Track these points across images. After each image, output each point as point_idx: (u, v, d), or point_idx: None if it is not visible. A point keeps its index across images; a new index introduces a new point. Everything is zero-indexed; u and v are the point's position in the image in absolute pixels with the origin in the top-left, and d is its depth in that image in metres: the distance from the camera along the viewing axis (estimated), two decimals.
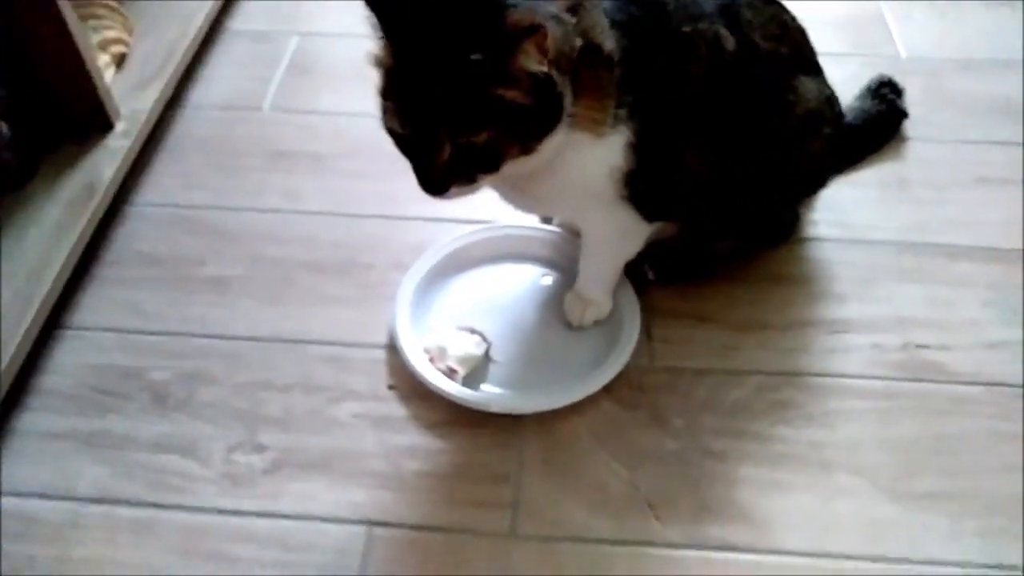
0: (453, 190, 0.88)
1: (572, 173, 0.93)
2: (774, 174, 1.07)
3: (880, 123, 1.34)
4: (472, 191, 0.90)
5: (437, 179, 0.87)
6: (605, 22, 0.90)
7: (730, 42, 0.96)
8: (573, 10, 0.87)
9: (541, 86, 0.83)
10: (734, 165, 1.02)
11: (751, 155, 1.03)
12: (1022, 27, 1.56)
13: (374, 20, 0.84)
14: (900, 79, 1.38)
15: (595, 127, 0.90)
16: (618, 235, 1.05)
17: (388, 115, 0.87)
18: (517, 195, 1.01)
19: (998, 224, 1.24)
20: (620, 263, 1.10)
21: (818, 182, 1.16)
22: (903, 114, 1.35)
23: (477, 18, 0.82)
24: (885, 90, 1.36)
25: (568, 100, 0.86)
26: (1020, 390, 1.06)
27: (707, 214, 1.09)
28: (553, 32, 0.81)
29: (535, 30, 0.79)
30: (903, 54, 1.52)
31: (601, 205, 0.98)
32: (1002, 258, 1.20)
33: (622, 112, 0.91)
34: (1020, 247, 1.20)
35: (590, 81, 0.88)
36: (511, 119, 0.83)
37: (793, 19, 1.07)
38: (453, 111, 0.82)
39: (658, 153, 0.95)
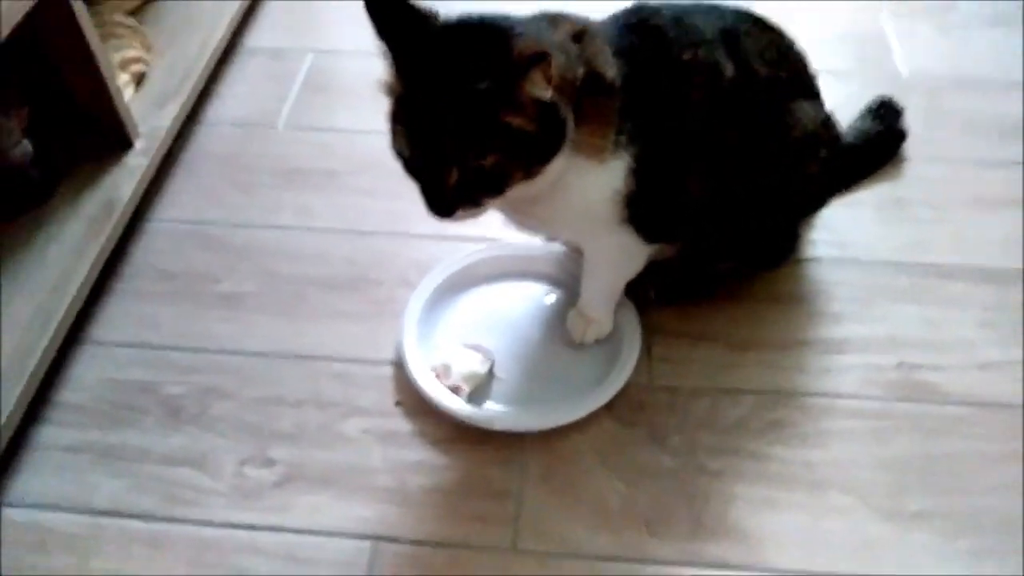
0: (459, 213, 0.91)
1: (574, 197, 0.96)
2: (772, 196, 1.09)
3: (879, 144, 1.36)
4: (478, 214, 0.93)
5: (445, 202, 0.90)
6: (608, 51, 0.94)
7: (729, 68, 0.99)
8: (578, 38, 0.90)
9: (545, 112, 0.86)
10: (733, 188, 1.05)
11: (750, 178, 1.05)
12: (1022, 47, 1.57)
13: (385, 49, 0.87)
14: (901, 97, 1.41)
15: (596, 153, 0.93)
16: (619, 256, 1.08)
17: (397, 139, 0.90)
18: (520, 217, 1.05)
19: (994, 244, 1.26)
20: (621, 283, 1.13)
21: (816, 203, 1.19)
22: (902, 135, 1.38)
23: (485, 47, 0.86)
24: (884, 111, 1.38)
25: (570, 126, 0.89)
26: (1013, 411, 1.08)
27: (707, 236, 1.12)
28: (557, 60, 0.84)
29: (541, 58, 0.82)
30: (904, 73, 1.54)
31: (602, 227, 1.01)
32: (997, 278, 1.22)
33: (623, 138, 0.94)
34: (1016, 267, 1.22)
35: (592, 108, 0.92)
36: (517, 144, 0.86)
37: (791, 45, 1.10)
38: (461, 136, 0.85)
39: (658, 177, 0.98)
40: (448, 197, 0.90)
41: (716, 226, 1.10)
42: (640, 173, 0.96)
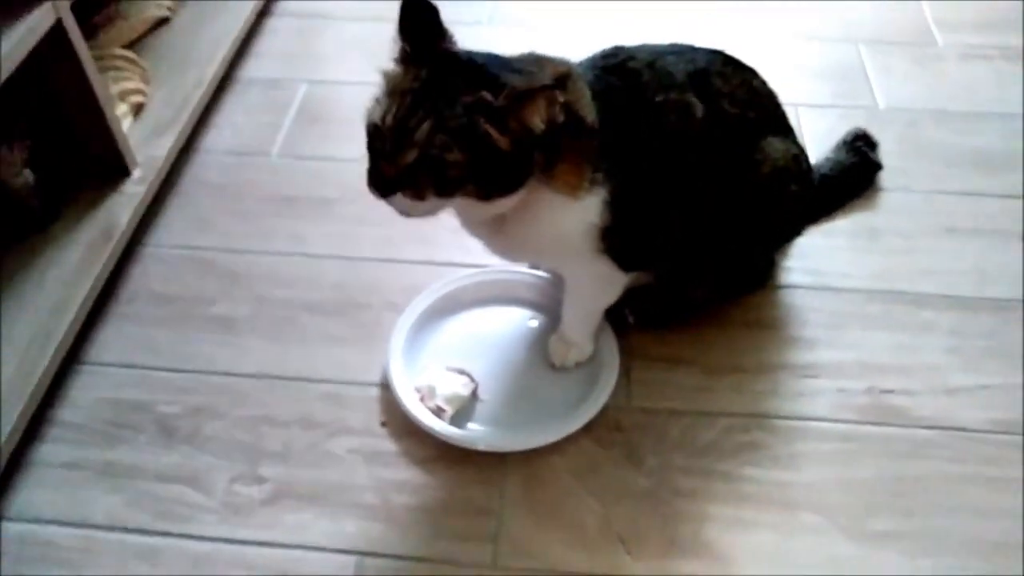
0: (399, 197, 0.93)
1: (548, 229, 1.01)
2: (745, 228, 1.14)
3: (854, 175, 1.41)
4: (415, 210, 0.95)
5: (390, 180, 0.92)
6: (588, 94, 0.98)
7: (699, 109, 1.04)
8: (561, 82, 0.94)
9: (523, 145, 0.90)
10: (706, 221, 1.10)
11: (722, 211, 1.10)
12: (996, 81, 1.63)
13: (404, 47, 0.93)
14: (877, 129, 1.46)
15: (571, 191, 0.98)
16: (598, 283, 1.12)
17: (376, 109, 0.92)
18: (498, 245, 1.08)
19: (964, 273, 1.30)
20: (600, 309, 1.17)
21: (789, 233, 1.23)
22: (877, 166, 1.42)
23: (494, 71, 0.92)
24: (860, 143, 1.43)
25: (537, 168, 0.94)
26: (978, 435, 1.12)
27: (683, 264, 1.16)
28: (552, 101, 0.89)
29: (553, 88, 0.88)
30: (881, 104, 1.59)
31: (579, 257, 1.05)
32: (966, 306, 1.26)
33: (599, 175, 0.98)
34: (984, 295, 1.27)
35: (570, 149, 0.96)
36: (483, 158, 0.90)
37: (763, 84, 1.14)
38: (439, 121, 0.88)
39: (633, 211, 1.02)
40: (396, 174, 0.91)
41: (692, 255, 1.14)
42: (616, 208, 1.00)
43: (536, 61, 0.99)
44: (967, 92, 1.61)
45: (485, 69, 0.92)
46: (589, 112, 0.98)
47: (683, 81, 1.04)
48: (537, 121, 0.89)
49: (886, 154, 1.46)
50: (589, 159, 0.98)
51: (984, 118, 1.56)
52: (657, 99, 1.02)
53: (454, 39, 0.96)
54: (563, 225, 1.00)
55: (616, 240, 1.03)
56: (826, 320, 1.25)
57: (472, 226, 1.06)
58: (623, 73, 1.03)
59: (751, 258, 1.23)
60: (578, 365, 1.19)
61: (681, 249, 1.12)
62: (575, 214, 0.99)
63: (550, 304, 1.25)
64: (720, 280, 1.23)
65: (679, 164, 1.04)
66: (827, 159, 1.40)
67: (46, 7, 1.12)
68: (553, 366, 1.19)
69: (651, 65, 1.04)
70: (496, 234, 1.04)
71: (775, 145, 1.11)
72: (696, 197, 1.07)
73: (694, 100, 1.04)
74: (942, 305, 1.26)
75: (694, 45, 1.11)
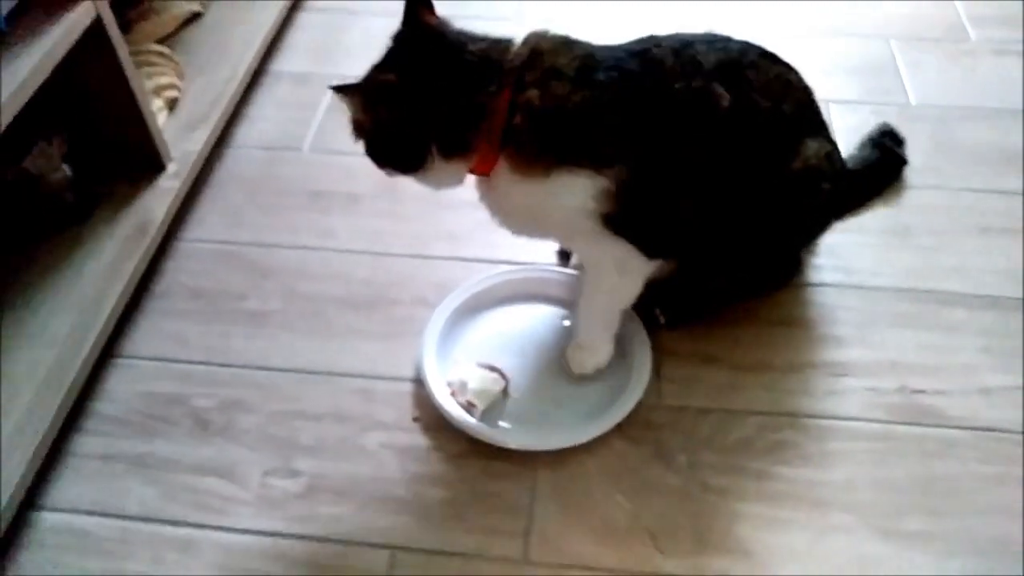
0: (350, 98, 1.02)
1: (521, 203, 1.05)
2: (773, 223, 1.13)
3: (880, 171, 1.41)
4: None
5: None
6: (563, 84, 0.99)
7: (725, 99, 1.03)
8: (532, 61, 1.00)
9: (384, 128, 1.02)
10: (732, 214, 1.09)
11: (748, 206, 1.09)
12: None
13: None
14: (909, 126, 1.45)
15: (522, 172, 1.01)
16: (614, 270, 1.10)
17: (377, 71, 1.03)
18: (495, 217, 1.10)
19: (997, 272, 1.29)
20: (617, 306, 1.15)
21: (817, 231, 1.23)
22: (903, 161, 1.42)
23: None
24: (886, 139, 1.42)
25: (433, 156, 1.02)
26: (1011, 435, 1.11)
27: (706, 257, 1.16)
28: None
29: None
30: (913, 101, 1.58)
31: (584, 237, 1.06)
32: (998, 305, 1.25)
33: (581, 159, 0.99)
34: (1016, 295, 1.26)
35: (488, 137, 1.00)
36: (373, 132, 1.03)
37: (799, 79, 1.14)
38: (364, 84, 1.01)
39: (645, 196, 1.02)
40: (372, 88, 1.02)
41: (715, 248, 1.14)
42: (624, 192, 1.00)
43: (505, 47, 1.02)
44: (1000, 88, 1.60)
45: (427, 46, 1.01)
46: (561, 90, 0.99)
47: (710, 70, 1.04)
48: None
49: (917, 151, 1.45)
50: (545, 144, 0.99)
51: (1017, 115, 1.54)
52: (677, 86, 1.02)
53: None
54: (535, 201, 1.03)
55: (629, 224, 1.03)
56: (857, 318, 1.25)
57: (479, 195, 1.10)
58: (645, 59, 1.04)
59: (778, 254, 1.23)
60: (598, 372, 1.17)
61: (704, 240, 1.12)
62: (546, 192, 1.01)
63: None
64: (746, 276, 1.23)
65: (699, 153, 1.03)
66: (853, 155, 1.40)
67: (86, 5, 1.13)
68: (573, 375, 1.18)
69: (677, 53, 1.04)
70: (490, 207, 1.09)
71: (809, 143, 1.11)
72: (719, 188, 1.07)
73: (720, 90, 1.03)
74: (974, 304, 1.25)
75: (730, 36, 1.11)
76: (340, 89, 0.99)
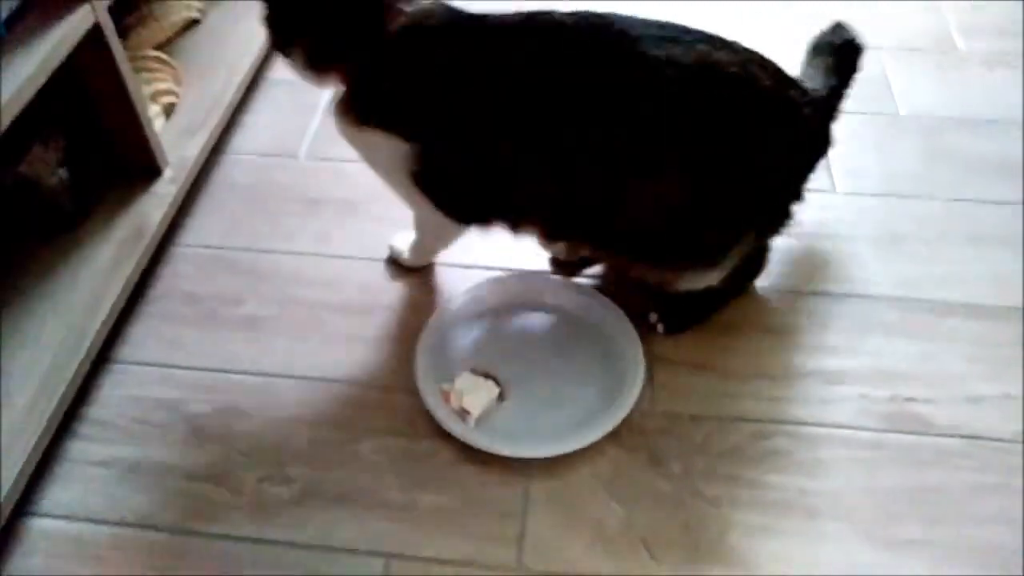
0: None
1: (348, 139, 1.16)
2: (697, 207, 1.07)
3: (838, 79, 1.26)
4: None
5: None
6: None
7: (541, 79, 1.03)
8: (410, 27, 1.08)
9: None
10: (605, 189, 1.07)
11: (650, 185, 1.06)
12: (1021, 87, 1.63)
13: None
14: (899, 136, 1.47)
15: (345, 118, 1.12)
16: (426, 223, 1.25)
17: None
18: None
19: (988, 281, 1.30)
20: (429, 247, 1.31)
21: (774, 210, 1.16)
22: (857, 50, 1.28)
23: None
24: (834, 37, 1.30)
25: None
26: (1001, 443, 1.12)
27: (614, 239, 1.14)
28: None
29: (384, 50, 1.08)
30: (903, 112, 1.59)
31: (397, 186, 1.18)
32: (989, 315, 1.26)
33: (393, 117, 1.09)
34: (1007, 304, 1.27)
35: (339, 67, 1.11)
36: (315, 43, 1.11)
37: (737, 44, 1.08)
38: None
39: (447, 165, 1.11)
40: None
41: (622, 229, 1.12)
42: (431, 151, 1.09)
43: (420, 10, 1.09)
44: (989, 99, 1.61)
45: None
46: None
47: (582, 40, 1.03)
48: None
49: (908, 161, 1.47)
50: (352, 98, 1.11)
51: (1006, 125, 1.56)
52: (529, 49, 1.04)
53: None
54: (356, 145, 1.16)
55: (434, 186, 1.13)
56: (849, 327, 1.26)
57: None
58: (506, 28, 1.07)
59: (720, 238, 1.14)
60: (600, 362, 1.20)
61: (555, 216, 1.14)
62: (362, 142, 1.14)
63: (577, 309, 1.26)
64: (735, 272, 1.19)
65: (546, 123, 1.04)
66: (807, 73, 1.26)
67: (84, 9, 1.13)
68: (577, 371, 1.20)
69: (553, 24, 1.05)
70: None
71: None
72: (540, 164, 1.07)
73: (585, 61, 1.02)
74: (965, 313, 1.26)
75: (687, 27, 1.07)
76: None
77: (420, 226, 1.28)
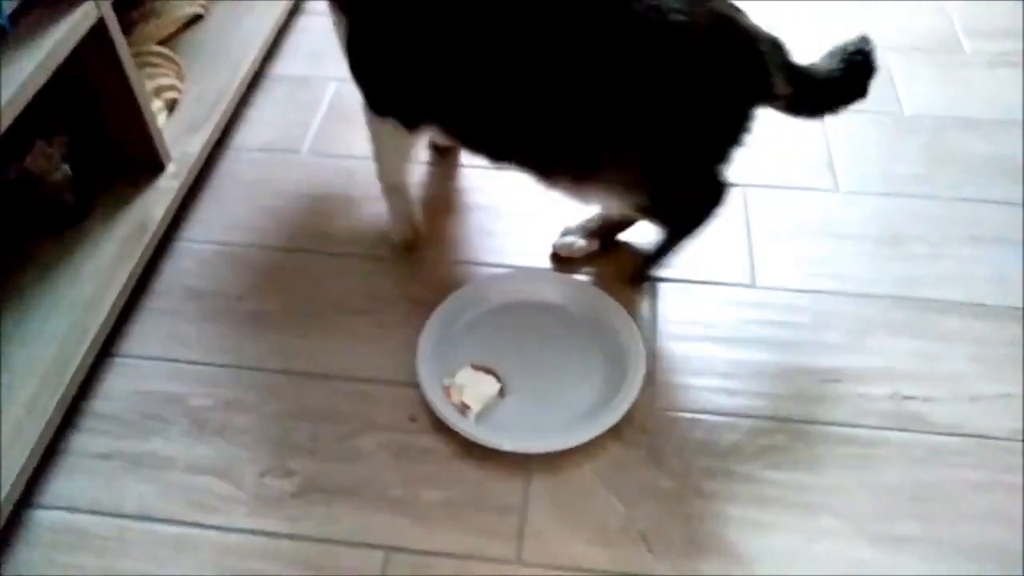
0: None
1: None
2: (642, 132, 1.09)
3: (843, 84, 1.23)
4: None
5: None
6: None
7: None
8: None
9: None
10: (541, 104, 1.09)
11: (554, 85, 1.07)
12: (1022, 88, 1.63)
13: None
14: (903, 136, 1.47)
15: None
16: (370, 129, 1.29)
17: None
18: None
19: (988, 281, 1.31)
20: (382, 157, 1.32)
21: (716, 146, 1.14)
22: (870, 70, 1.24)
23: None
24: (857, 55, 1.25)
25: None
26: (1000, 442, 1.12)
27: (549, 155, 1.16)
28: None
29: None
30: (907, 112, 1.59)
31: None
32: (989, 314, 1.26)
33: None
34: (1008, 304, 1.27)
35: None
36: None
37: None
38: None
39: (377, 46, 1.16)
40: None
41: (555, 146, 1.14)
42: (358, 33, 1.16)
43: None
44: (993, 99, 1.61)
45: None
46: None
47: None
48: None
49: (911, 161, 1.47)
50: None
51: (1010, 126, 1.56)
52: None
53: None
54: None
55: (355, 63, 1.20)
56: (849, 325, 1.26)
57: None
58: None
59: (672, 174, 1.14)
60: (601, 360, 1.20)
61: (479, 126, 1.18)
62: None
63: (579, 306, 1.27)
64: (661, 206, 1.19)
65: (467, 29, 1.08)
66: (821, 63, 1.24)
67: (88, 6, 1.14)
68: (579, 369, 1.21)
69: None
70: None
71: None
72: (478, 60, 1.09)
73: None
74: (966, 313, 1.27)
75: None
76: None
77: (368, 129, 1.31)
